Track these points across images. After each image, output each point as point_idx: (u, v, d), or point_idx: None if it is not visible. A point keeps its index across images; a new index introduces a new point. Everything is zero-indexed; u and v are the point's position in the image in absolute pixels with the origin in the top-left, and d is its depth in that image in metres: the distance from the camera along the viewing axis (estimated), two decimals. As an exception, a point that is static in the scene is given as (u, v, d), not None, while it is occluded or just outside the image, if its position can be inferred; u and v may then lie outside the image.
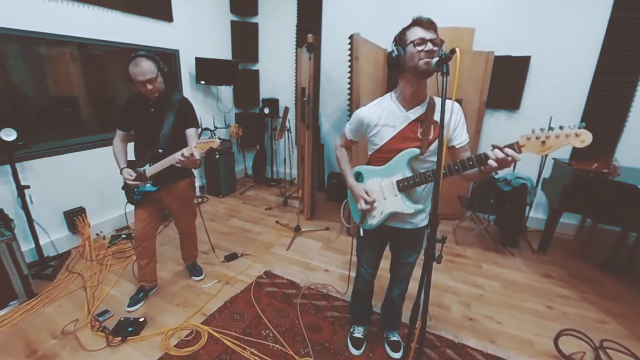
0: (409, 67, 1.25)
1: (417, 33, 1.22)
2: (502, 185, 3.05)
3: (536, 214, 3.58)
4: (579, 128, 0.95)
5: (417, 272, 1.27)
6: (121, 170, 2.02)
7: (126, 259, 2.78)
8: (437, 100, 1.33)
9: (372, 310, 2.02)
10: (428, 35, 1.21)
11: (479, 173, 1.20)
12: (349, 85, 3.02)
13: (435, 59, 1.10)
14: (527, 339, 2.04)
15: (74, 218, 2.92)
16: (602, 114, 3.14)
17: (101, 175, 3.10)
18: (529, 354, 1.92)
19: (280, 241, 3.19)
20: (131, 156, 2.14)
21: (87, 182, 3.05)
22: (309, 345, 1.89)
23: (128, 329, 1.95)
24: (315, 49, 3.16)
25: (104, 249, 2.92)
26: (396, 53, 1.26)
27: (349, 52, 2.91)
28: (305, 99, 3.22)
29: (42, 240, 2.66)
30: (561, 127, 0.98)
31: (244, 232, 3.40)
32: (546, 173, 3.25)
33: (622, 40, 2.95)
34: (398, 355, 1.83)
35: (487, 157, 1.10)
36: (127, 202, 2.14)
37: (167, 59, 3.72)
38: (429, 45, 1.20)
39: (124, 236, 3.10)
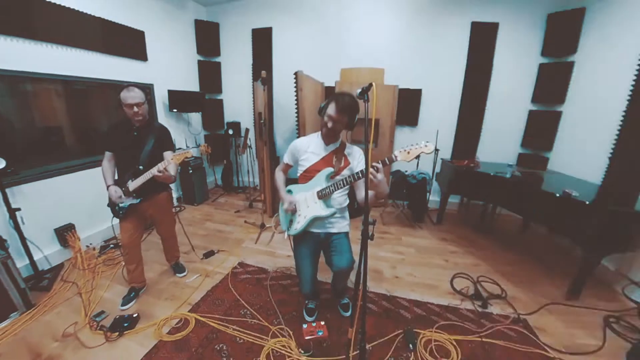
0: (323, 122, 1.46)
1: (330, 110, 1.38)
2: (410, 179, 3.32)
3: (434, 197, 3.88)
4: (426, 143, 1.23)
5: (356, 248, 1.28)
6: (108, 187, 1.81)
7: (116, 265, 2.45)
8: (348, 145, 1.55)
9: (319, 291, 1.99)
10: (336, 115, 1.36)
11: (374, 197, 1.34)
12: (296, 111, 3.06)
13: (358, 90, 1.16)
14: (435, 285, 2.25)
15: (65, 234, 2.50)
16: (467, 126, 3.59)
17: (88, 194, 2.69)
18: (436, 295, 2.12)
19: (249, 237, 3.07)
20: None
21: (75, 201, 2.63)
22: (280, 316, 1.87)
23: (124, 325, 1.75)
24: (267, 82, 3.13)
25: (95, 258, 2.54)
26: (321, 108, 1.45)
27: (295, 84, 2.95)
28: (262, 121, 3.16)
29: (36, 256, 2.26)
30: (417, 143, 1.23)
31: (218, 232, 3.21)
32: (437, 169, 3.57)
33: (475, 74, 3.41)
34: (348, 313, 1.86)
35: (358, 175, 1.33)
36: (113, 217, 1.90)
37: (143, 91, 3.34)
38: (330, 124, 1.38)
39: (112, 246, 2.72)
